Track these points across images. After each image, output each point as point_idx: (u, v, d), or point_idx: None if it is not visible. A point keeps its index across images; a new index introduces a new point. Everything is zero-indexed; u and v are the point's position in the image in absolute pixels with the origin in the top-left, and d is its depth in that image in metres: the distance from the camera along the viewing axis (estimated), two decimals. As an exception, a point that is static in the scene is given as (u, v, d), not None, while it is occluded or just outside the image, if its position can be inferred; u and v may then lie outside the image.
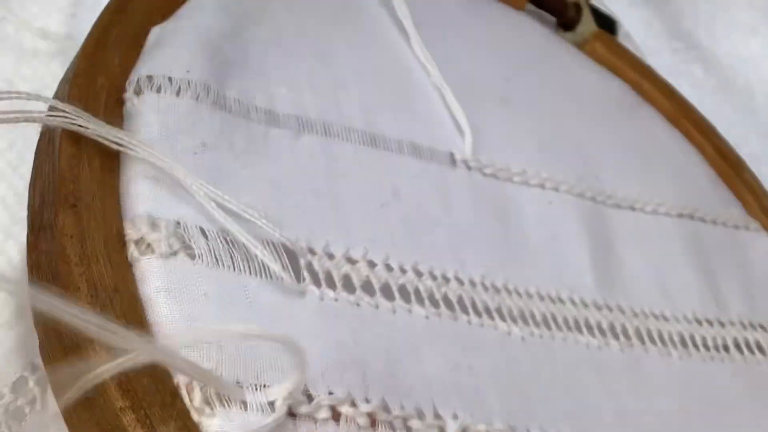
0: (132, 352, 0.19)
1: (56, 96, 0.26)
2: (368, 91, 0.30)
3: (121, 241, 0.23)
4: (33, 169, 0.25)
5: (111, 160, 0.24)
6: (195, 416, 0.21)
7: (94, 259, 0.22)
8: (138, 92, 0.25)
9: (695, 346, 0.32)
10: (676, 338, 0.32)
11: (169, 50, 0.26)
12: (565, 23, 0.41)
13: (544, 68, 0.37)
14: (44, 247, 0.23)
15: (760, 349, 0.34)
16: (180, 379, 0.21)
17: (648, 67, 0.40)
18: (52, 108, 0.23)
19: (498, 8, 0.38)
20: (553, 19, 0.41)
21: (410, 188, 0.29)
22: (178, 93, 0.26)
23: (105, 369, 0.19)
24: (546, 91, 0.36)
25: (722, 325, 0.33)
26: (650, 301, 0.32)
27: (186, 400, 0.21)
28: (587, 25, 0.40)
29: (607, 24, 0.42)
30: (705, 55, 0.47)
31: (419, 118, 0.31)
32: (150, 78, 0.26)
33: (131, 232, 0.23)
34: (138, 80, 0.26)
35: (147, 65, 0.26)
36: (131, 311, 0.22)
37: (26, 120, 0.23)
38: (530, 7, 0.41)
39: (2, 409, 0.26)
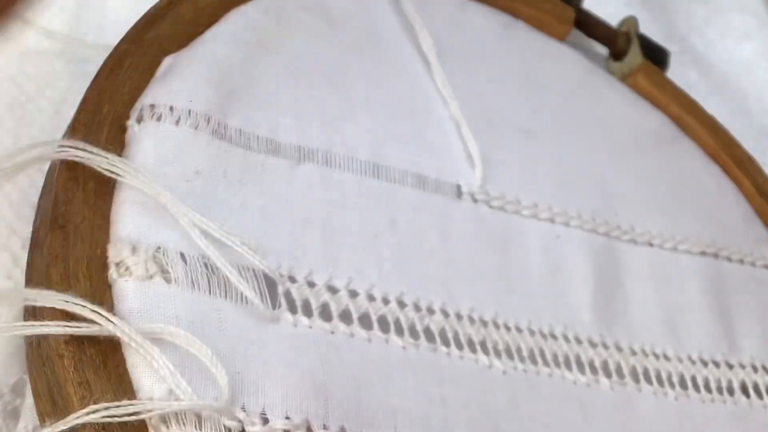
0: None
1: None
2: (379, 121, 0.31)
3: (105, 263, 0.24)
4: (42, 189, 0.27)
5: (106, 186, 0.25)
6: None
7: (75, 279, 0.24)
8: (140, 120, 0.27)
9: (695, 387, 0.32)
10: (675, 378, 0.32)
11: (176, 80, 0.28)
12: (616, 53, 0.41)
13: (577, 101, 0.37)
14: (37, 263, 0.25)
15: None
16: (141, 395, 0.23)
17: (692, 100, 0.40)
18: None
19: (537, 38, 0.38)
20: (603, 49, 0.41)
21: (408, 219, 0.30)
22: (177, 122, 0.27)
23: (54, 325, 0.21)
24: (574, 124, 0.36)
25: (730, 366, 0.33)
26: (652, 340, 0.32)
27: (145, 418, 0.22)
28: (634, 56, 0.40)
29: (657, 55, 0.41)
30: (699, 59, 0.47)
31: (430, 149, 0.32)
32: (152, 107, 0.27)
33: (113, 255, 0.24)
34: (141, 108, 0.27)
35: (152, 94, 0.27)
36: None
37: (34, 164, 0.25)
38: (580, 36, 0.41)
39: (1, 407, 0.28)
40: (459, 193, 0.31)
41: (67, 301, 0.22)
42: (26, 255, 0.29)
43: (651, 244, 0.34)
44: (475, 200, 0.32)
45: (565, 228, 0.33)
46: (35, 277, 0.25)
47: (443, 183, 0.31)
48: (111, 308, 0.23)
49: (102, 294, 0.24)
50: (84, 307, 0.22)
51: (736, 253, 0.36)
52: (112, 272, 0.24)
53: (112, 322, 0.22)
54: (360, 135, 0.31)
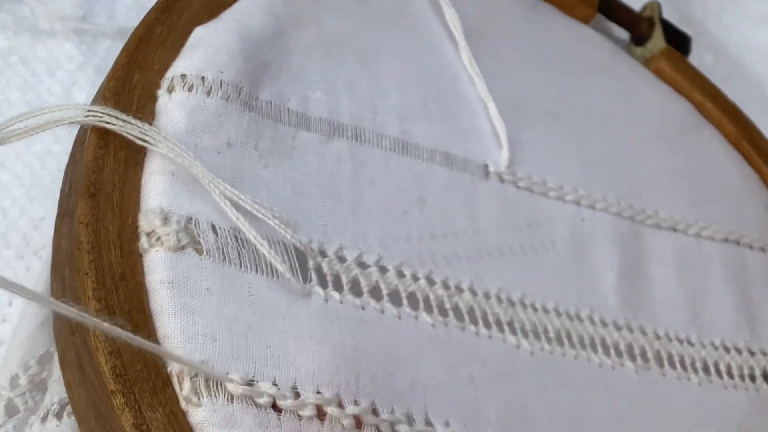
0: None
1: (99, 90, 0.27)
2: (408, 99, 0.31)
3: (135, 232, 0.24)
4: (69, 156, 0.26)
5: (137, 154, 0.25)
6: (183, 404, 0.22)
7: (106, 248, 0.23)
8: (171, 90, 0.26)
9: (718, 373, 0.32)
10: (698, 364, 0.31)
11: (207, 50, 0.27)
12: (638, 38, 0.40)
13: (602, 85, 0.36)
14: (65, 230, 0.24)
15: None
16: (173, 368, 0.22)
17: (714, 87, 0.39)
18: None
19: (562, 20, 0.38)
20: (625, 33, 0.41)
21: (436, 197, 0.29)
22: (209, 93, 0.26)
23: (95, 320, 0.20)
24: (599, 107, 0.35)
25: (752, 353, 0.33)
26: (676, 325, 0.32)
27: (176, 388, 0.22)
28: (657, 41, 0.40)
29: (679, 40, 0.41)
30: (715, 44, 0.47)
31: (458, 128, 0.31)
32: (183, 77, 0.26)
33: (144, 224, 0.24)
34: (172, 78, 0.26)
35: (183, 64, 0.27)
36: (134, 299, 0.23)
37: (63, 124, 0.25)
38: (601, 20, 0.40)
39: (28, 380, 0.27)
40: (486, 172, 0.31)
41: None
42: (37, 236, 0.28)
43: (675, 230, 0.34)
44: (502, 180, 0.31)
45: (591, 211, 0.32)
46: (64, 245, 0.24)
47: (470, 162, 0.31)
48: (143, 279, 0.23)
49: (133, 264, 0.23)
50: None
51: (757, 241, 0.36)
52: (143, 242, 0.24)
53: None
54: (389, 112, 0.30)
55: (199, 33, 0.28)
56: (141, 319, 0.23)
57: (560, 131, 0.34)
